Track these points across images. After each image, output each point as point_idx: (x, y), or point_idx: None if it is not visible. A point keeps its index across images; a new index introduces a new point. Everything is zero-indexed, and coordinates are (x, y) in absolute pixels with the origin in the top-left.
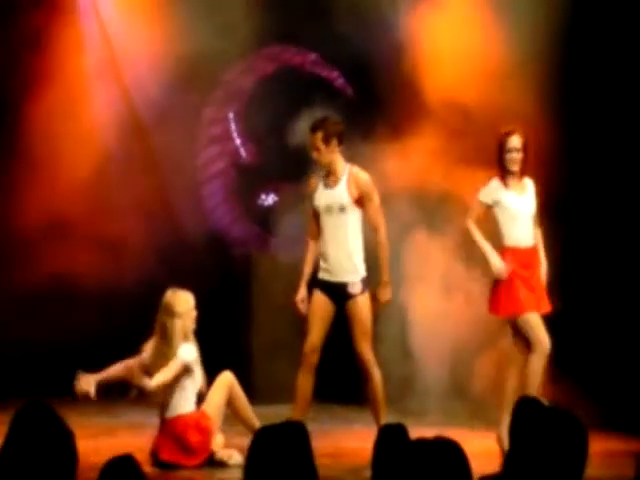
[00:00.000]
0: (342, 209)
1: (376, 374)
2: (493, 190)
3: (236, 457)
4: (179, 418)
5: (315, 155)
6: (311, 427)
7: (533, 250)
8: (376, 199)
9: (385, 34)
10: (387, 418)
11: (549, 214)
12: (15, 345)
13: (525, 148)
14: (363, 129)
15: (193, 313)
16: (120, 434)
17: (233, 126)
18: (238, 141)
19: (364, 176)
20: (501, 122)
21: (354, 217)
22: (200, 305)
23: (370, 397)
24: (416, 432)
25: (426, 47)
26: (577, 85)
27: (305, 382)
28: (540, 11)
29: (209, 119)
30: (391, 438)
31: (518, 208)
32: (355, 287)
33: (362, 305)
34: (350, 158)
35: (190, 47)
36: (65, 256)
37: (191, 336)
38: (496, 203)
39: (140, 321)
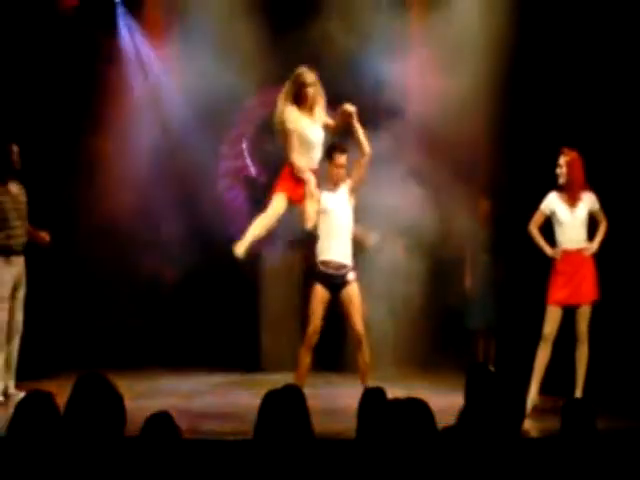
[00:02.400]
0: None
1: (366, 345)
2: (549, 202)
3: None
4: None
5: None
6: (308, 391)
7: (580, 252)
8: None
9: (367, 78)
10: (371, 382)
11: None
12: (74, 324)
13: (570, 166)
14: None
15: None
16: (158, 396)
17: (246, 154)
18: (251, 165)
19: None
20: (465, 145)
21: None
22: (221, 294)
23: (359, 363)
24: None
25: (401, 86)
26: (520, 113)
27: (305, 357)
28: (489, 53)
29: (227, 146)
30: (372, 399)
31: (567, 217)
32: (350, 275)
33: (357, 290)
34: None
35: (211, 86)
36: (112, 251)
37: None
38: (552, 213)
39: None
